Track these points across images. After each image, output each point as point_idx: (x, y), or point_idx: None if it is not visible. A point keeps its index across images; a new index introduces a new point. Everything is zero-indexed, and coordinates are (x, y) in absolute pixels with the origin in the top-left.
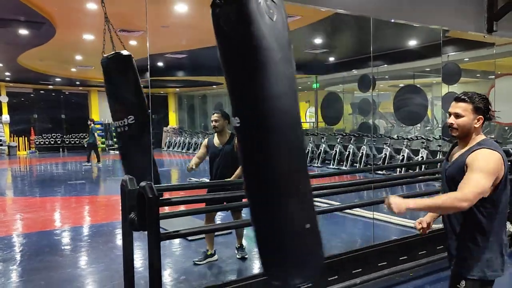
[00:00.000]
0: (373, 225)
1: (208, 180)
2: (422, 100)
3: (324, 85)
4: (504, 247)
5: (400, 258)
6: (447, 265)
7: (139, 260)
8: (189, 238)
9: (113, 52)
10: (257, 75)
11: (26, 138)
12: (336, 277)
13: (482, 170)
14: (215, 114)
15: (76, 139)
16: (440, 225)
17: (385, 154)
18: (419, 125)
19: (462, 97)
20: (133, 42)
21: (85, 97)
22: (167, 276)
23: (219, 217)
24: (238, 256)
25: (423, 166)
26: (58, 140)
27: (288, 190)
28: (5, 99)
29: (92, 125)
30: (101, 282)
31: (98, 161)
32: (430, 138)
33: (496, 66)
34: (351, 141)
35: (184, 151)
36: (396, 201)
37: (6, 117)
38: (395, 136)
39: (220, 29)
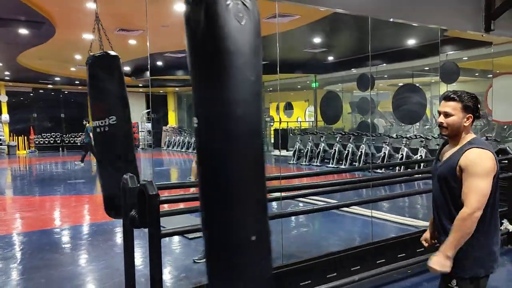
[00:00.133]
0: (372, 223)
1: None
2: (421, 99)
3: (323, 84)
4: (495, 245)
5: (398, 256)
6: None
7: (139, 258)
8: (189, 236)
9: (101, 51)
10: (216, 78)
11: (25, 137)
12: (335, 274)
13: (479, 174)
14: None
15: (75, 139)
16: None
17: (384, 153)
18: (418, 124)
19: (451, 95)
20: (132, 41)
21: (85, 97)
22: (167, 273)
23: None
24: None
25: (421, 164)
26: (58, 140)
27: (239, 198)
28: (4, 99)
29: (88, 124)
30: (102, 280)
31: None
32: (429, 136)
33: (494, 65)
34: (350, 140)
35: (183, 150)
36: (435, 261)
37: (5, 116)
38: (394, 135)
39: (187, 28)
